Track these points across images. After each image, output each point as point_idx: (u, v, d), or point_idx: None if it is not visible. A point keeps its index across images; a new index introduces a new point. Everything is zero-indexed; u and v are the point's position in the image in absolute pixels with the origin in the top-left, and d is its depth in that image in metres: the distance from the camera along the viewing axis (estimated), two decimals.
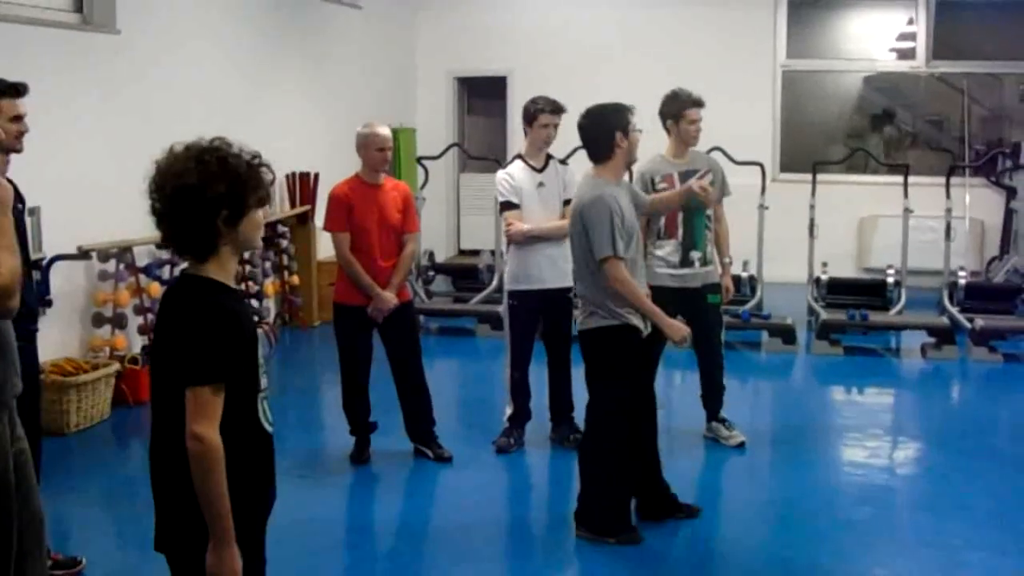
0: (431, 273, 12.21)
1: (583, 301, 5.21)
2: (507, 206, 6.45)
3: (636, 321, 5.14)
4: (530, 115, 6.44)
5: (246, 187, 2.83)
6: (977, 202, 12.27)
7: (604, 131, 5.16)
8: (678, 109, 6.57)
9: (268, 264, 9.87)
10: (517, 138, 12.74)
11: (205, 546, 2.78)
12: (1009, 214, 12.23)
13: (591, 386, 5.28)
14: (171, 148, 2.84)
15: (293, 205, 10.37)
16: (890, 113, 13.79)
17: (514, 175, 6.45)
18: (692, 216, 6.52)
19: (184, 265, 2.95)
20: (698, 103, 6.57)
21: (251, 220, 2.88)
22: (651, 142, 6.17)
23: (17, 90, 4.26)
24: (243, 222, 2.85)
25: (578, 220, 5.12)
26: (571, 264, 5.43)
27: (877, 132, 13.84)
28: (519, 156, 6.62)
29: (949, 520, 5.50)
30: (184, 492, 2.78)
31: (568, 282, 5.81)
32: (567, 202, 6.30)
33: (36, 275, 6.73)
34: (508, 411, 6.66)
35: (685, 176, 6.53)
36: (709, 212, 6.60)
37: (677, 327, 5.21)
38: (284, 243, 10.16)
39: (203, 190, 2.75)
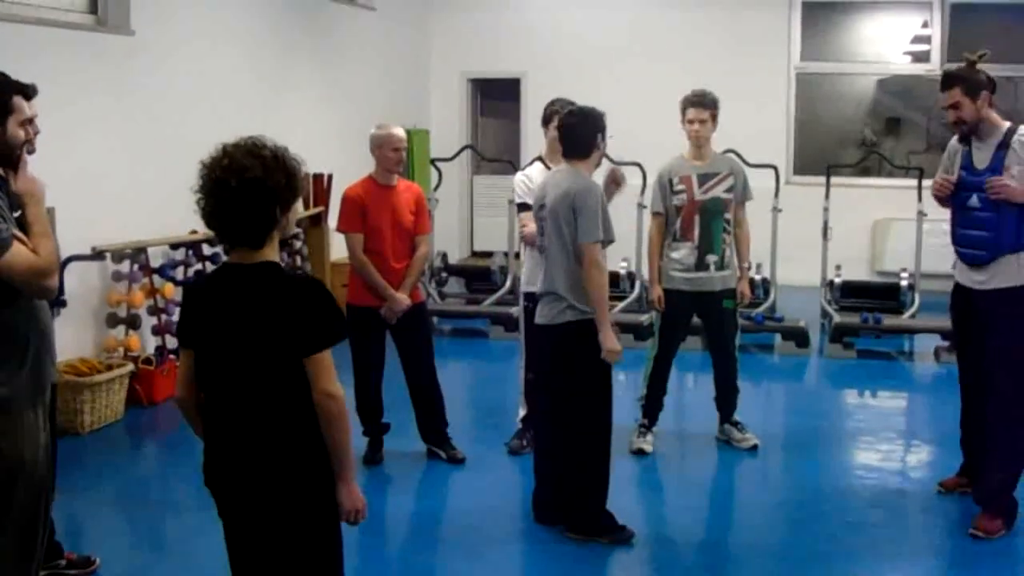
0: (444, 274, 12.21)
1: (553, 297, 5.22)
2: (524, 207, 6.43)
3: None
4: (547, 117, 6.42)
5: (296, 177, 3.10)
6: None
7: (588, 131, 5.29)
8: (682, 109, 6.59)
9: (281, 265, 9.85)
10: (531, 140, 12.79)
11: (308, 495, 3.11)
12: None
13: (558, 386, 5.29)
14: (222, 148, 3.06)
15: (307, 206, 10.38)
16: (894, 118, 13.81)
17: (532, 177, 6.42)
18: (709, 219, 6.50)
19: (222, 259, 3.13)
20: (697, 103, 6.55)
21: (295, 208, 3.17)
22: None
23: (26, 93, 4.28)
24: (291, 209, 3.13)
25: (567, 208, 5.13)
26: None
27: (892, 135, 13.83)
28: (539, 158, 6.60)
29: (962, 524, 5.47)
30: (293, 450, 3.08)
31: None
32: None
33: None
34: (522, 412, 6.64)
35: (703, 178, 6.53)
36: (728, 215, 6.59)
37: (613, 346, 5.12)
38: (297, 244, 10.16)
39: (266, 181, 3.01)
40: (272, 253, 3.13)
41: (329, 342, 3.07)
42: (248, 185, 2.99)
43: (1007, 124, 5.23)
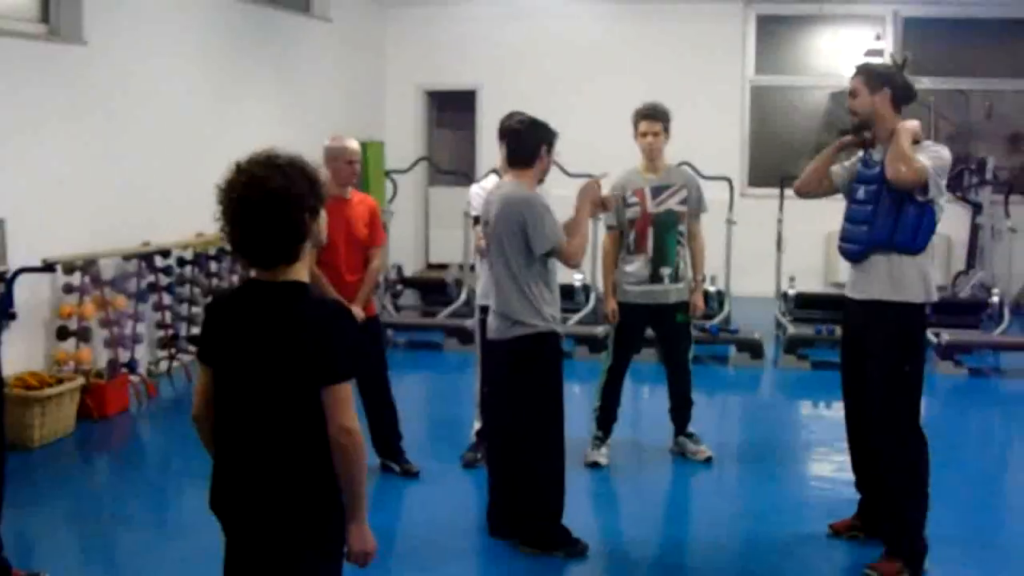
0: (399, 287, 12.19)
1: (502, 314, 5.21)
2: (479, 221, 6.42)
3: (557, 327, 5.25)
4: (503, 130, 6.40)
5: (319, 182, 3.03)
6: (944, 217, 12.25)
7: (533, 140, 5.26)
8: (634, 122, 6.60)
9: (235, 278, 9.80)
10: (486, 152, 12.79)
11: (323, 536, 2.99)
12: (975, 229, 12.33)
13: (510, 399, 5.30)
14: (236, 166, 2.98)
15: None
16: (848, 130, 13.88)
17: (488, 189, 6.42)
18: (663, 231, 6.52)
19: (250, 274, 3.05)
20: (648, 115, 6.57)
21: (323, 215, 3.05)
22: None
23: None
24: (320, 217, 3.03)
25: (509, 225, 5.12)
26: None
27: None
28: (495, 171, 6.59)
29: None
30: (303, 483, 2.94)
31: None
32: None
33: (0, 287, 6.69)
34: (476, 426, 6.63)
35: (657, 191, 6.54)
36: (682, 228, 6.61)
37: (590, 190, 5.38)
38: None
39: (289, 190, 2.92)
40: (302, 271, 3.00)
41: (349, 374, 2.94)
42: (272, 197, 2.89)
43: None
